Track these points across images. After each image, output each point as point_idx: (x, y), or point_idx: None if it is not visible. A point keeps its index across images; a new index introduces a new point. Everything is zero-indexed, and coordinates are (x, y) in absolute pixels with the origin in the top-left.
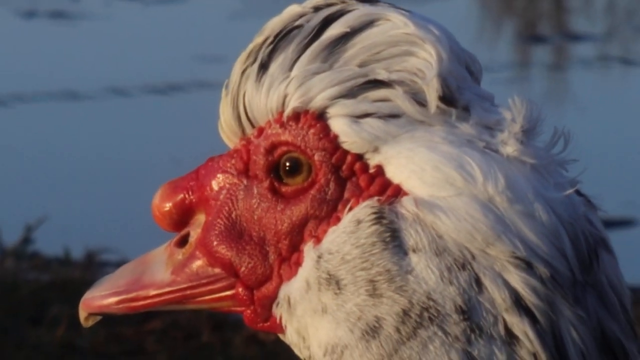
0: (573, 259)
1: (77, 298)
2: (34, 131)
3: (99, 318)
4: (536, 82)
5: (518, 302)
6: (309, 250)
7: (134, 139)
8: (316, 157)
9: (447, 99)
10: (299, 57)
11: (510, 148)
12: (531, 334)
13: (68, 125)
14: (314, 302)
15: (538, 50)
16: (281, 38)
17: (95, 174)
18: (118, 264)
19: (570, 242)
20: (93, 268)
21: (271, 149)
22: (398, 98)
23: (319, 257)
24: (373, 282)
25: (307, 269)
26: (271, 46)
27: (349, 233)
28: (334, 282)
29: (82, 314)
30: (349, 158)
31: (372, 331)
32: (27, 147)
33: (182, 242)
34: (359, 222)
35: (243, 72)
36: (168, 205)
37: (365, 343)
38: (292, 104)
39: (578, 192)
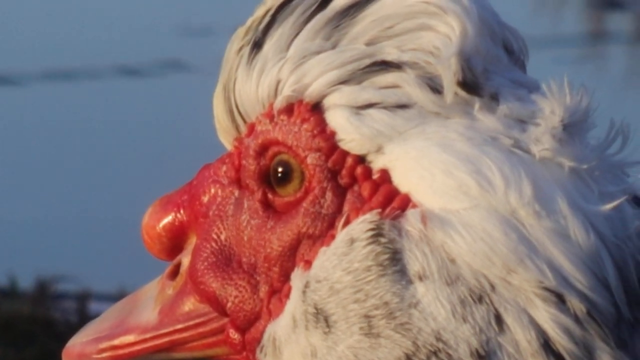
0: (618, 290)
1: (25, 340)
2: None
3: None
4: (613, 59)
5: (547, 346)
6: (296, 278)
7: (99, 127)
8: (309, 160)
9: (469, 84)
10: (298, 33)
11: (542, 146)
12: None
13: (7, 116)
14: (302, 344)
15: (615, 19)
16: (281, 10)
17: (47, 177)
18: (78, 297)
19: (616, 269)
20: (46, 301)
21: (261, 150)
22: (408, 84)
23: (306, 286)
24: (368, 318)
25: (293, 301)
26: (268, 19)
27: (340, 255)
28: (322, 318)
29: None
30: (348, 161)
31: None
32: None
33: (175, 273)
34: (352, 241)
35: (238, 52)
36: (159, 227)
37: None
38: (285, 92)
39: (637, 202)
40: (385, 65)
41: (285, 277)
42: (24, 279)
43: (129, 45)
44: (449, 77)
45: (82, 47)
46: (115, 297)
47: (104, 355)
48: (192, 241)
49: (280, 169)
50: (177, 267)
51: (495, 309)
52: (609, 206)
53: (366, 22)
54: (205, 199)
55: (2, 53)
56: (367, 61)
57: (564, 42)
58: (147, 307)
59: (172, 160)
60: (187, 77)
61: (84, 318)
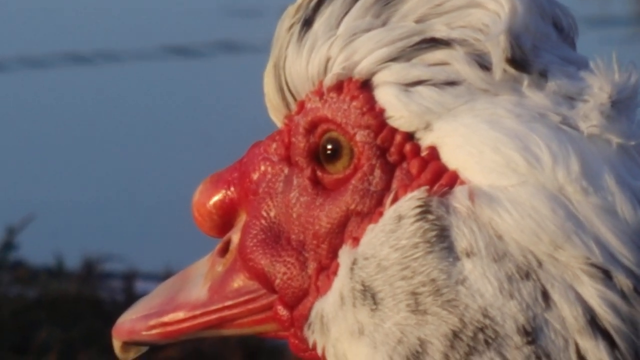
0: None
1: (72, 319)
2: (12, 106)
3: (143, 349)
4: None
5: (593, 322)
6: (343, 255)
7: (143, 110)
8: (358, 137)
9: (517, 61)
10: (348, 10)
11: (590, 123)
12: None
13: (56, 99)
14: (349, 321)
15: None
16: None
17: (94, 159)
18: (125, 276)
19: None
20: (92, 281)
21: (311, 127)
22: (457, 61)
23: (353, 263)
24: (415, 295)
25: (341, 278)
26: None
27: (388, 232)
28: (369, 296)
29: (116, 344)
30: (397, 138)
31: (415, 358)
32: (4, 127)
33: (225, 250)
34: (400, 218)
35: (289, 30)
36: (209, 204)
37: None
38: (335, 69)
39: None
40: (434, 43)
41: (334, 254)
42: (71, 258)
43: (179, 26)
44: (497, 54)
45: (132, 29)
46: (161, 276)
47: (154, 332)
48: (242, 218)
49: (329, 146)
50: (227, 244)
51: (542, 285)
52: None
53: None
54: (255, 176)
55: (52, 34)
56: (417, 38)
57: (612, 22)
58: (197, 284)
59: (219, 140)
60: (235, 57)
61: (131, 297)
